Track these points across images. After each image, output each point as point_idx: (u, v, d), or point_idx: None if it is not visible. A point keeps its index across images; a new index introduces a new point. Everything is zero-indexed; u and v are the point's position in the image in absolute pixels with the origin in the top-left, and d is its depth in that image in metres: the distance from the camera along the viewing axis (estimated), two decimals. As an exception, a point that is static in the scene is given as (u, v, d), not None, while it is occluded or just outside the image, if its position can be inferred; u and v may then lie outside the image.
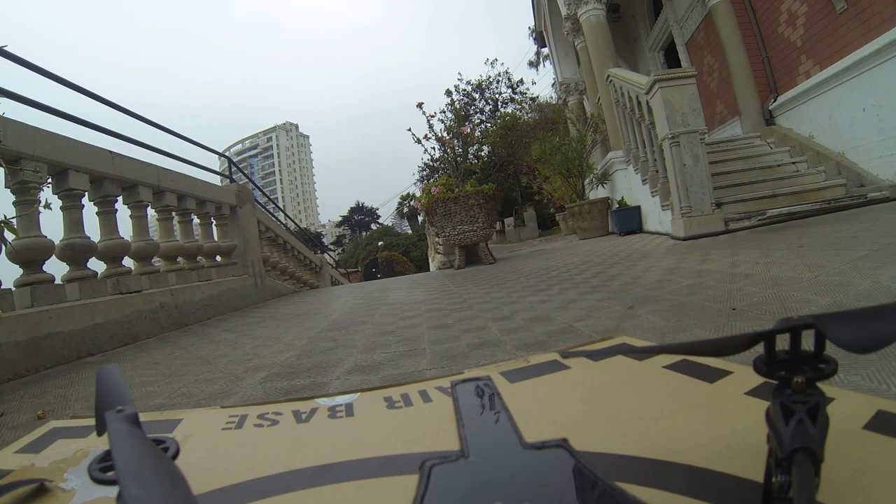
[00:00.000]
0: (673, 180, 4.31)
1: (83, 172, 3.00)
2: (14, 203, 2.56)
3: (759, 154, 5.35)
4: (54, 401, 1.71)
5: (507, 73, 24.55)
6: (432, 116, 6.22)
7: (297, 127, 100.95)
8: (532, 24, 13.27)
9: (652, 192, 5.29)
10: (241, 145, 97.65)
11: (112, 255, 3.25)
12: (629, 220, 6.02)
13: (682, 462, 0.28)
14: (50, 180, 2.82)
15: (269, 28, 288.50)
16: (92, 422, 0.30)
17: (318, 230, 66.52)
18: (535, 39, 14.85)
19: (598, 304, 2.14)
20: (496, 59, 32.23)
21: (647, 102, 4.67)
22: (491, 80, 24.45)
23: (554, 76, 12.42)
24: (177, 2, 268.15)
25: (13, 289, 2.51)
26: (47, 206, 2.55)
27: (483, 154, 20.02)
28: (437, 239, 7.55)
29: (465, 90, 24.51)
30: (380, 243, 30.70)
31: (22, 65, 2.64)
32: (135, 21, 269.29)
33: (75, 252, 2.90)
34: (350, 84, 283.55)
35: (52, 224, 2.86)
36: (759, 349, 0.25)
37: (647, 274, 2.75)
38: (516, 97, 24.22)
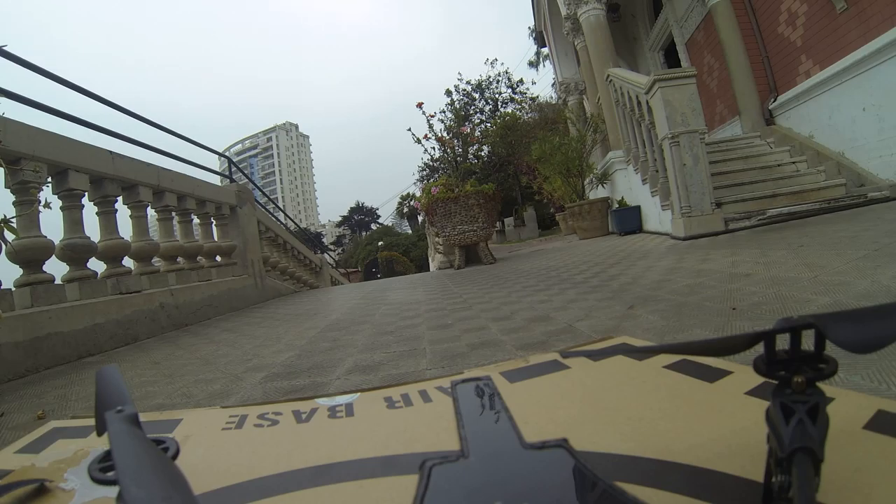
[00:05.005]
0: (673, 180, 4.31)
1: (83, 172, 3.00)
2: (14, 203, 2.56)
3: (759, 154, 5.35)
4: (54, 401, 1.71)
5: (506, 72, 24.51)
6: (432, 116, 6.21)
7: (297, 127, 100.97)
8: (532, 23, 13.28)
9: (652, 192, 5.29)
10: (240, 145, 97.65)
11: (112, 255, 3.25)
12: (629, 220, 6.01)
13: (682, 462, 0.28)
14: (50, 180, 2.82)
15: (265, 28, 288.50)
16: (92, 422, 0.30)
17: (318, 230, 66.51)
18: (535, 39, 14.86)
19: (598, 303, 2.14)
20: (496, 59, 32.13)
21: (647, 102, 4.67)
22: (491, 79, 24.43)
23: (554, 76, 12.42)
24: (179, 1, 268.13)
25: (13, 289, 2.51)
26: (47, 206, 2.55)
27: (483, 154, 20.00)
28: (437, 239, 7.55)
29: (464, 90, 24.48)
30: (380, 243, 30.71)
31: (22, 65, 2.64)
32: (135, 19, 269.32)
33: (75, 252, 2.90)
34: (350, 84, 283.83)
35: (52, 224, 2.86)
36: (759, 349, 0.25)
37: (647, 274, 2.75)
38: (516, 97, 24.19)
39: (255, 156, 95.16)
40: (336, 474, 0.31)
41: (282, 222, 7.69)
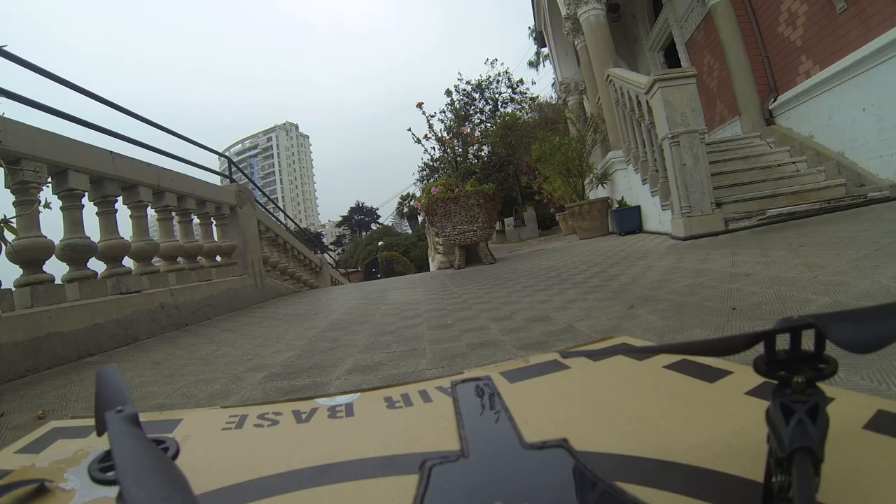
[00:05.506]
0: (673, 180, 4.31)
1: (83, 172, 3.00)
2: (14, 203, 2.56)
3: (759, 154, 5.35)
4: (54, 401, 1.71)
5: (506, 72, 24.52)
6: (432, 116, 6.21)
7: (297, 127, 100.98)
8: (532, 23, 13.28)
9: (652, 192, 5.29)
10: (240, 145, 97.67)
11: (112, 255, 3.25)
12: (629, 220, 6.01)
13: (682, 462, 0.28)
14: (50, 180, 2.82)
15: (265, 28, 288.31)
16: (92, 422, 0.30)
17: (318, 230, 66.50)
18: (535, 39, 14.86)
19: (598, 303, 2.14)
20: (496, 59, 32.24)
21: (647, 102, 4.67)
22: (491, 79, 24.43)
23: (554, 76, 12.43)
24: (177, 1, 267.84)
25: (13, 289, 2.51)
26: (47, 206, 2.55)
27: (483, 154, 19.99)
28: (437, 239, 7.55)
29: (464, 90, 24.48)
30: (380, 243, 30.71)
31: (22, 65, 2.64)
32: (135, 19, 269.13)
33: (75, 252, 2.90)
34: (350, 84, 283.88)
35: (52, 224, 2.86)
36: (759, 349, 0.25)
37: (647, 274, 2.75)
38: (516, 97, 24.19)
39: (255, 156, 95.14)
40: (336, 474, 0.31)
41: (282, 222, 7.69)
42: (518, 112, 21.48)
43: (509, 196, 18.00)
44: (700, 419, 0.33)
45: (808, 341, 0.23)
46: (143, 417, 0.35)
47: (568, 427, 0.34)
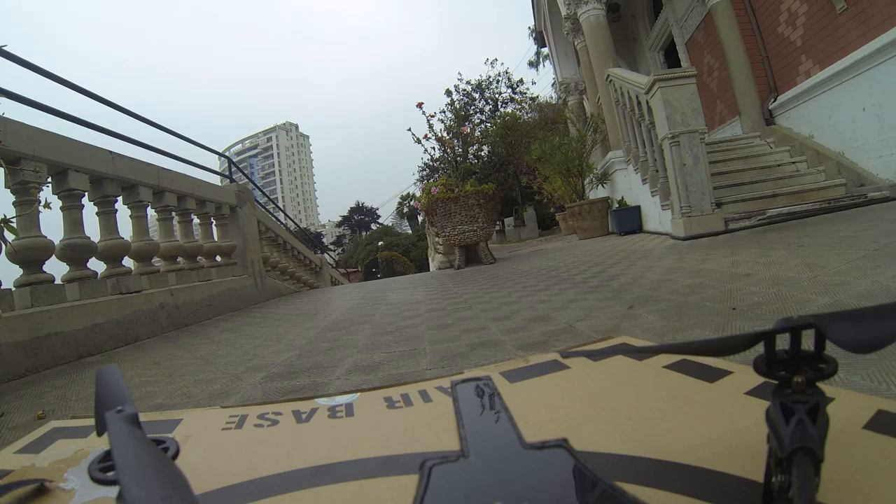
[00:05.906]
0: (673, 180, 4.31)
1: (83, 172, 3.00)
2: (14, 203, 2.56)
3: (759, 154, 5.35)
4: (54, 401, 1.71)
5: (506, 72, 24.53)
6: (432, 116, 6.21)
7: (297, 127, 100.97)
8: (532, 23, 13.29)
9: (652, 192, 5.29)
10: (240, 145, 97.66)
11: (112, 255, 3.25)
12: (629, 220, 6.02)
13: (682, 462, 0.28)
14: (50, 180, 2.82)
15: (266, 28, 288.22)
16: (92, 422, 0.30)
17: (318, 230, 66.50)
18: (535, 39, 14.87)
19: (598, 303, 2.14)
20: (496, 59, 32.31)
21: (647, 102, 4.67)
22: (491, 79, 24.44)
23: (554, 76, 12.43)
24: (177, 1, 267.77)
25: (13, 289, 2.51)
26: (47, 206, 2.55)
27: (483, 154, 19.99)
28: (437, 239, 7.56)
29: (464, 90, 24.49)
30: (380, 243, 30.72)
31: (22, 65, 2.64)
32: (135, 19, 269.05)
33: (75, 252, 2.90)
34: (350, 84, 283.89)
35: (52, 224, 2.86)
36: (759, 349, 0.25)
37: (647, 274, 2.75)
38: (516, 97, 24.19)
39: (255, 156, 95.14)
40: (336, 474, 0.31)
41: (282, 222, 7.69)
42: (518, 112, 21.48)
43: (509, 196, 18.00)
44: (700, 419, 0.33)
45: (808, 341, 0.23)
46: (143, 417, 0.35)
47: (568, 427, 0.34)
